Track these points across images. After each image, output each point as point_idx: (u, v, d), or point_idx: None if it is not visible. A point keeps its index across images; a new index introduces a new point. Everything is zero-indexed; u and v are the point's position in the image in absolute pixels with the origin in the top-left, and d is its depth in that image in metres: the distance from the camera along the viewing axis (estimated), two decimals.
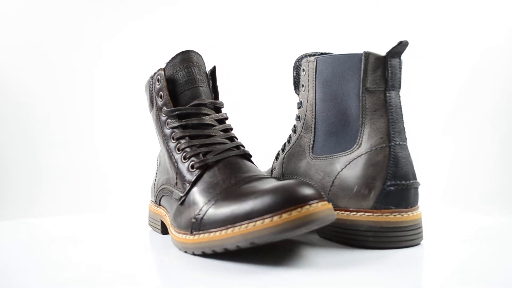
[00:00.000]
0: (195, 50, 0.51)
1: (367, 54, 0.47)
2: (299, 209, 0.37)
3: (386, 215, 0.44)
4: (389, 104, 0.46)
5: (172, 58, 0.51)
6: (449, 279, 0.36)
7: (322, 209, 0.38)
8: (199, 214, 0.42)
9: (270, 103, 0.96)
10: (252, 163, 0.49)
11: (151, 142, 0.59)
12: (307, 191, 0.39)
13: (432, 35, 0.98)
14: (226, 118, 0.51)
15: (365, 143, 0.46)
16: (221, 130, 0.49)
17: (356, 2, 1.01)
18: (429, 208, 0.79)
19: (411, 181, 0.45)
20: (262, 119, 0.97)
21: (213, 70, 0.53)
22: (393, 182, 0.44)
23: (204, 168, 0.46)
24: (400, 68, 0.47)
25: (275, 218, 0.37)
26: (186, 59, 0.50)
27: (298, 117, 0.55)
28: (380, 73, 0.46)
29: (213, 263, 0.41)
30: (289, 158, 0.55)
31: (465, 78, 0.97)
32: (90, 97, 1.04)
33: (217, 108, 0.51)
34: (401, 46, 0.46)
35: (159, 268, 0.42)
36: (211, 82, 0.53)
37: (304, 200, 0.38)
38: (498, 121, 0.95)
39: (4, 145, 1.01)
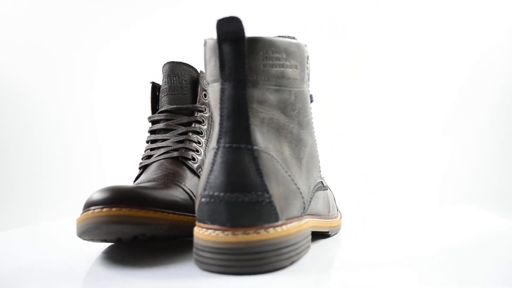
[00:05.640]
0: (179, 59, 0.55)
1: (205, 42, 0.40)
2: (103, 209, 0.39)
3: (201, 231, 0.37)
4: (221, 99, 0.38)
5: (162, 69, 0.56)
6: None
7: (116, 214, 0.39)
8: None
9: None
10: (187, 166, 0.50)
11: None
12: (125, 193, 0.40)
13: (432, 35, 0.98)
14: (196, 121, 0.53)
15: (210, 146, 0.39)
16: (179, 134, 0.52)
17: (357, 1, 1.01)
18: (427, 209, 0.79)
19: (227, 194, 0.36)
20: None
21: (198, 76, 0.56)
22: (206, 193, 0.36)
23: (143, 168, 0.52)
24: (235, 53, 0.37)
25: (96, 211, 0.39)
26: (167, 69, 0.55)
27: None
28: (214, 62, 0.38)
29: None
30: None
31: (465, 78, 0.97)
32: (92, 97, 1.04)
33: (191, 112, 0.54)
34: (222, 25, 0.37)
35: (158, 267, 0.42)
36: (197, 87, 0.55)
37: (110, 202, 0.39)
38: (498, 121, 0.94)
39: (5, 146, 1.01)
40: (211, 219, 0.36)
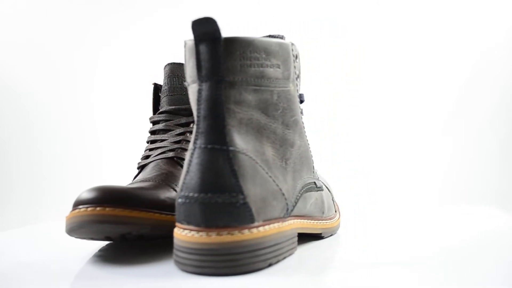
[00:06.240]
0: (180, 59, 0.55)
1: (184, 44, 0.39)
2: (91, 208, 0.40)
3: (178, 231, 0.37)
4: (198, 100, 0.37)
5: (163, 70, 0.56)
6: None
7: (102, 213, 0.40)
8: None
9: None
10: (181, 166, 0.51)
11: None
12: (111, 193, 0.41)
13: (432, 35, 0.98)
14: (193, 122, 0.54)
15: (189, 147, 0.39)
16: (177, 134, 0.53)
17: (357, 1, 1.01)
18: (427, 209, 0.79)
19: (201, 194, 0.35)
20: None
21: None
22: (182, 194, 0.37)
23: (141, 168, 0.52)
24: (211, 53, 0.37)
25: (82, 210, 0.40)
26: (167, 70, 0.55)
27: None
28: (192, 63, 0.38)
29: None
30: None
31: (465, 78, 0.97)
32: (92, 97, 1.04)
33: (190, 113, 0.54)
34: (198, 26, 0.37)
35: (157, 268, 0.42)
36: None
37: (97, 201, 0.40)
38: (498, 121, 0.94)
39: (5, 146, 1.01)
40: (187, 220, 0.36)
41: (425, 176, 0.94)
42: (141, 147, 0.57)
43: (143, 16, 1.04)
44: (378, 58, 1.00)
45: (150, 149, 0.54)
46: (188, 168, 0.37)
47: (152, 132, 0.55)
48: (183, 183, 0.37)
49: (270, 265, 0.38)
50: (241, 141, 0.37)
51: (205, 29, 0.37)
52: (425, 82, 0.98)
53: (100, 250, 0.47)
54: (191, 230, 0.36)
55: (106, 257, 0.45)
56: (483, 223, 0.60)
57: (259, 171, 0.38)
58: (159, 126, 0.54)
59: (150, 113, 0.58)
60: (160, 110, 0.55)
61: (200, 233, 0.35)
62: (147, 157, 0.53)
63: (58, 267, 0.42)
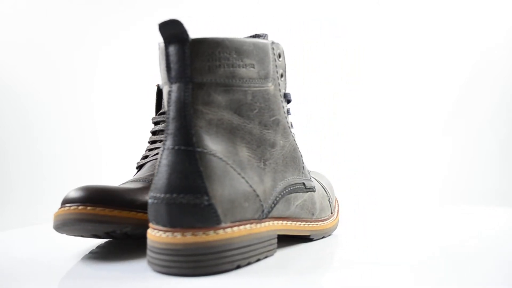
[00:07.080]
0: None
1: (158, 46, 0.40)
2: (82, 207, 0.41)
3: (149, 231, 0.38)
4: (168, 101, 0.38)
5: None
6: None
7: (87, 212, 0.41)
8: None
9: None
10: None
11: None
12: (95, 192, 0.42)
13: (432, 35, 0.98)
14: None
15: None
16: None
17: (357, 1, 1.01)
18: (427, 209, 0.79)
19: (166, 195, 0.36)
20: None
21: None
22: (152, 194, 0.37)
23: (139, 168, 0.53)
24: (178, 55, 0.37)
25: (66, 209, 0.42)
26: None
27: None
28: (163, 65, 0.38)
29: None
30: None
31: (465, 78, 0.97)
32: (92, 97, 1.04)
33: None
34: (165, 28, 0.37)
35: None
36: None
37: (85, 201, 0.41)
38: (498, 121, 0.95)
39: (5, 146, 1.01)
40: (156, 220, 0.37)
41: (425, 176, 0.94)
42: (142, 147, 0.57)
43: (143, 16, 1.04)
44: (378, 58, 1.00)
45: (150, 149, 0.54)
46: (158, 169, 0.37)
47: (153, 133, 0.56)
48: (153, 183, 0.37)
49: (238, 267, 0.37)
50: (210, 142, 0.37)
51: (172, 31, 0.37)
52: (425, 82, 0.99)
53: (98, 247, 0.48)
54: (159, 230, 0.36)
55: (103, 256, 0.45)
56: (483, 223, 0.60)
57: (230, 172, 0.38)
58: (159, 126, 0.54)
59: (152, 114, 0.58)
60: (161, 111, 0.55)
61: (167, 233, 0.36)
62: (145, 157, 0.54)
63: (58, 267, 0.42)
